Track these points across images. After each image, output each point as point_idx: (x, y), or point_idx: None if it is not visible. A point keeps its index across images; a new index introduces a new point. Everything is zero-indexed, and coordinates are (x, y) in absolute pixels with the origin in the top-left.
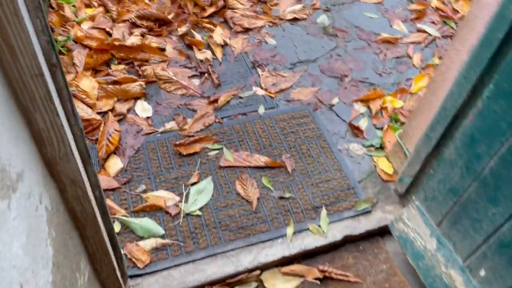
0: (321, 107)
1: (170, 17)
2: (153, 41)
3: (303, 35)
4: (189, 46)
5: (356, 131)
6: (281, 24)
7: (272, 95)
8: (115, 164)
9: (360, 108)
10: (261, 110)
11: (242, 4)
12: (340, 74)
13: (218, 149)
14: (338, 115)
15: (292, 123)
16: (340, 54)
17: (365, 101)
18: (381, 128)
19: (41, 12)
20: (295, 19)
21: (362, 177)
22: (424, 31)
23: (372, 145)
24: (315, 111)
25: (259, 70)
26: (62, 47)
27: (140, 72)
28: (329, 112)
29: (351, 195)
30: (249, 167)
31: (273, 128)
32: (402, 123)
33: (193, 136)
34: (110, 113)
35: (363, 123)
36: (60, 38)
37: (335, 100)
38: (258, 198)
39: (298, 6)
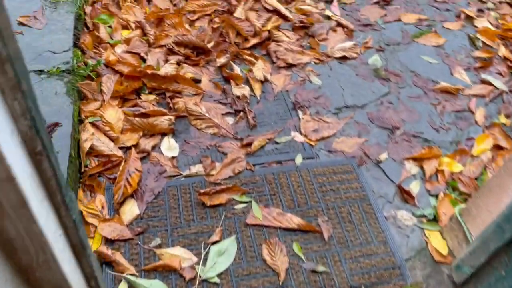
0: (367, 162)
1: (209, 46)
2: (188, 71)
3: (351, 76)
4: (226, 80)
5: (406, 195)
6: (328, 62)
7: (312, 142)
8: (131, 210)
9: (412, 168)
10: (299, 159)
11: (288, 37)
12: (391, 125)
13: (246, 202)
14: (386, 174)
15: (332, 178)
16: (392, 101)
17: (418, 160)
18: (436, 196)
19: (20, 92)
20: (344, 58)
21: (410, 254)
22: (490, 83)
23: (424, 215)
24: (359, 167)
25: (300, 112)
26: (91, 71)
27: (171, 105)
28: (376, 169)
29: (396, 276)
30: (280, 228)
31: (311, 182)
32: (461, 193)
33: (220, 184)
34: (133, 149)
35: (414, 187)
36: (90, 61)
37: (383, 156)
38: (287, 269)
39: (349, 44)
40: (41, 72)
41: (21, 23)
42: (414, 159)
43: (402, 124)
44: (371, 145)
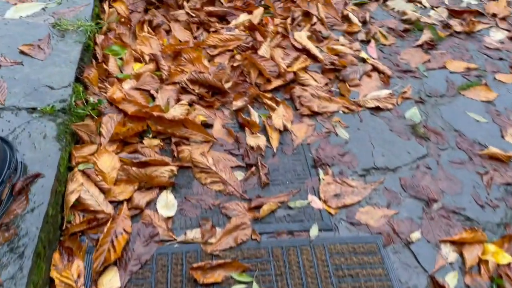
0: (395, 241)
1: (227, 86)
2: (200, 113)
3: (384, 131)
4: (242, 126)
5: None
6: (359, 112)
7: (331, 210)
8: (110, 281)
9: (449, 253)
10: (314, 231)
11: (316, 81)
12: (427, 196)
13: (246, 283)
14: (417, 259)
15: (352, 260)
16: (431, 166)
17: (458, 244)
18: None
19: None
20: (377, 108)
21: None
22: None
23: None
24: (385, 247)
25: (320, 171)
26: (92, 109)
27: (175, 153)
28: (405, 251)
29: None
30: None
31: (325, 263)
32: None
33: (218, 256)
34: (125, 204)
35: (451, 280)
36: (92, 99)
37: (415, 235)
38: None
39: (384, 92)
40: (33, 110)
41: (22, 52)
42: (453, 243)
43: (441, 196)
44: (402, 220)
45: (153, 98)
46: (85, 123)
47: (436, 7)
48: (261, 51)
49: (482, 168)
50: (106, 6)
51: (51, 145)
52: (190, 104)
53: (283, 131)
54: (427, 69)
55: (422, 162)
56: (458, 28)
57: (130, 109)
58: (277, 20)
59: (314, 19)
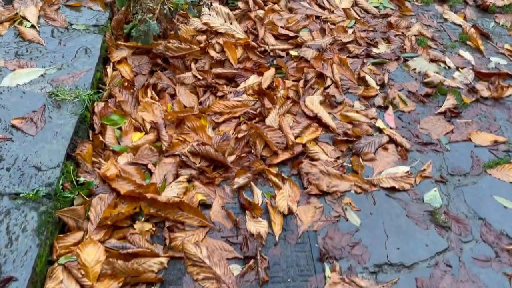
0: None
1: (230, 159)
2: (199, 191)
3: (400, 217)
4: (242, 207)
5: None
6: (372, 192)
7: None
8: None
9: None
10: None
11: (326, 154)
12: None
13: None
14: None
15: None
16: (452, 263)
17: None
18: None
19: None
20: (393, 189)
21: None
22: None
23: None
24: None
25: (327, 267)
26: (82, 190)
27: (167, 241)
28: None
29: None
30: None
31: None
32: None
33: None
34: None
35: None
36: (83, 178)
37: None
38: None
39: (401, 170)
40: (16, 196)
41: (14, 126)
42: None
43: None
44: None
45: (150, 173)
46: (71, 208)
47: (461, 68)
48: (269, 120)
49: (510, 268)
50: (109, 69)
51: (29, 240)
52: (189, 180)
53: (288, 214)
54: (449, 141)
55: (442, 258)
56: (485, 93)
57: (124, 188)
58: (289, 83)
59: (328, 81)
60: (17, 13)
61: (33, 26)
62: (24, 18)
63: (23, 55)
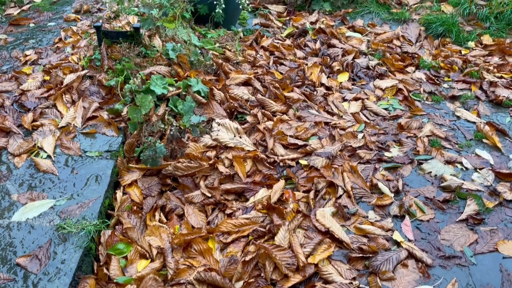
0: None
1: (237, 286)
2: None
3: None
4: None
5: None
6: None
7: None
8: None
9: None
10: None
11: (341, 275)
12: None
13: None
14: None
15: None
16: None
17: None
18: None
19: None
20: None
21: None
22: None
23: None
24: None
25: None
26: None
27: None
28: None
29: None
30: None
31: None
32: None
33: None
34: None
35: None
36: None
37: None
38: None
39: None
40: None
41: (18, 265)
42: None
43: None
44: None
45: None
46: None
47: (480, 169)
48: (278, 238)
49: None
50: (119, 193)
51: None
52: None
53: None
54: (475, 253)
55: None
56: (509, 195)
57: None
58: (299, 194)
59: (340, 191)
60: (35, 145)
61: (48, 156)
62: (41, 148)
63: (36, 187)
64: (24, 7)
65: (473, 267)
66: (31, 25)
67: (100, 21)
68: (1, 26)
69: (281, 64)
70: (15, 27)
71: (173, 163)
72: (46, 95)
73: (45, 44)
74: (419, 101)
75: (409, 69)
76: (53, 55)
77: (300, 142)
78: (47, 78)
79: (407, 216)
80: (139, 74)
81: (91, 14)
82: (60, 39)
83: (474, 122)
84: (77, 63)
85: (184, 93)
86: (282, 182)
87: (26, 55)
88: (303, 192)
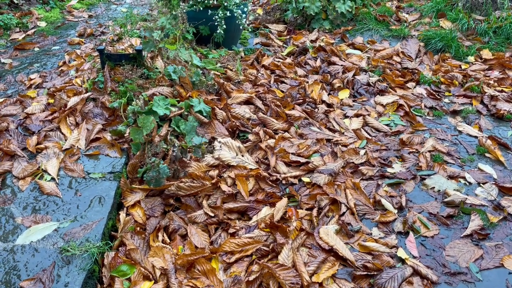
0: None
1: None
2: None
3: None
4: None
5: None
6: None
7: None
8: None
9: None
10: None
11: None
12: None
13: None
14: None
15: None
16: None
17: None
18: None
19: None
20: None
21: None
22: None
23: None
24: None
25: None
26: None
27: None
28: None
29: None
30: None
31: None
32: None
33: None
34: None
35: None
36: None
37: None
38: None
39: None
40: None
41: None
42: None
43: None
44: None
45: None
46: None
47: (483, 183)
48: (282, 257)
49: None
50: (122, 214)
51: None
52: None
53: None
54: (480, 269)
55: None
56: None
57: None
58: (302, 212)
59: (343, 208)
60: (39, 167)
61: (52, 179)
62: (45, 171)
63: (40, 210)
64: (29, 32)
65: (479, 283)
66: (36, 49)
67: (103, 44)
68: (6, 51)
69: (282, 82)
70: (20, 51)
71: (176, 183)
72: (50, 118)
73: (49, 67)
74: (420, 116)
75: (410, 84)
76: (57, 78)
77: (302, 160)
78: (51, 101)
79: (411, 233)
80: (142, 95)
81: (94, 37)
82: (64, 63)
83: (476, 137)
84: (81, 86)
85: (186, 113)
86: (285, 200)
87: (31, 79)
88: (306, 209)
